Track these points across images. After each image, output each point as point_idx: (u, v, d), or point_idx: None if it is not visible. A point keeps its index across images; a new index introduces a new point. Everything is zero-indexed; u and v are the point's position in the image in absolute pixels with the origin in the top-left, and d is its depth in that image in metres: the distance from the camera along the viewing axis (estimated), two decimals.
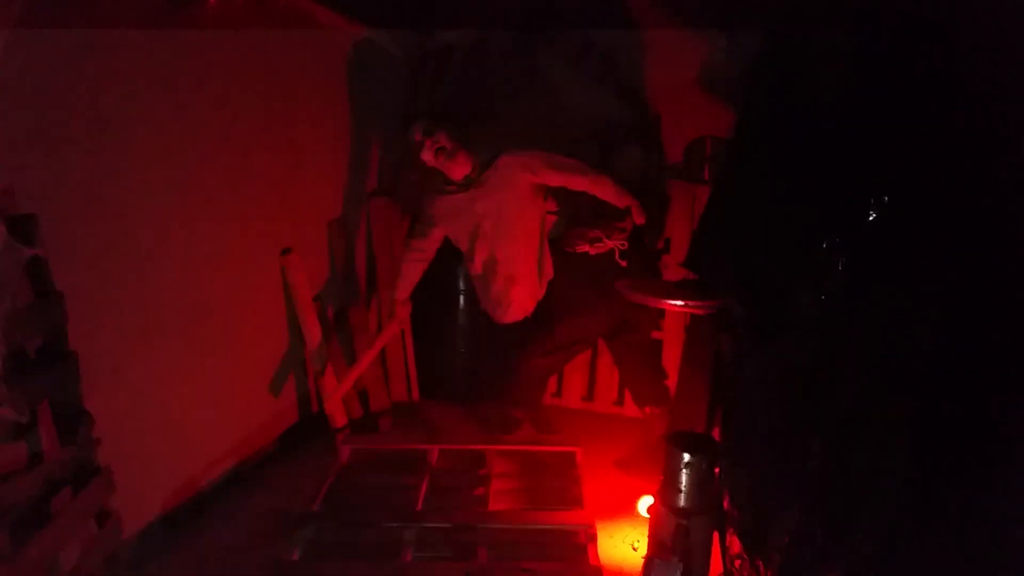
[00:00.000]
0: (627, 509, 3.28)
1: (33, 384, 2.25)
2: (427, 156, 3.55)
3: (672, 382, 3.98)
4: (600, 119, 4.35)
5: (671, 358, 4.15)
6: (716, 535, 2.29)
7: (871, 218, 1.57)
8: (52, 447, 2.29)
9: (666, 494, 2.28)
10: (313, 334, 3.86)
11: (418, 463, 3.49)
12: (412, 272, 3.84)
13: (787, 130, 1.99)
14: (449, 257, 3.91)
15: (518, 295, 3.70)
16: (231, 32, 3.16)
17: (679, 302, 3.11)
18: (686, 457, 2.20)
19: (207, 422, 3.33)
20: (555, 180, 3.60)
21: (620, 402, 4.43)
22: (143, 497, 2.92)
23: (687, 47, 4.17)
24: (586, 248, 3.70)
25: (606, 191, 3.58)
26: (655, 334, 4.23)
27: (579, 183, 3.58)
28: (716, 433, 2.71)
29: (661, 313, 4.18)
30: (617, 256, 3.67)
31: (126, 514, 2.62)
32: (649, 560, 2.32)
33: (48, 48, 2.34)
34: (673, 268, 4.09)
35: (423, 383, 4.61)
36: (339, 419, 3.86)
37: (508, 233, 3.61)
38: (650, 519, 2.40)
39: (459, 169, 3.59)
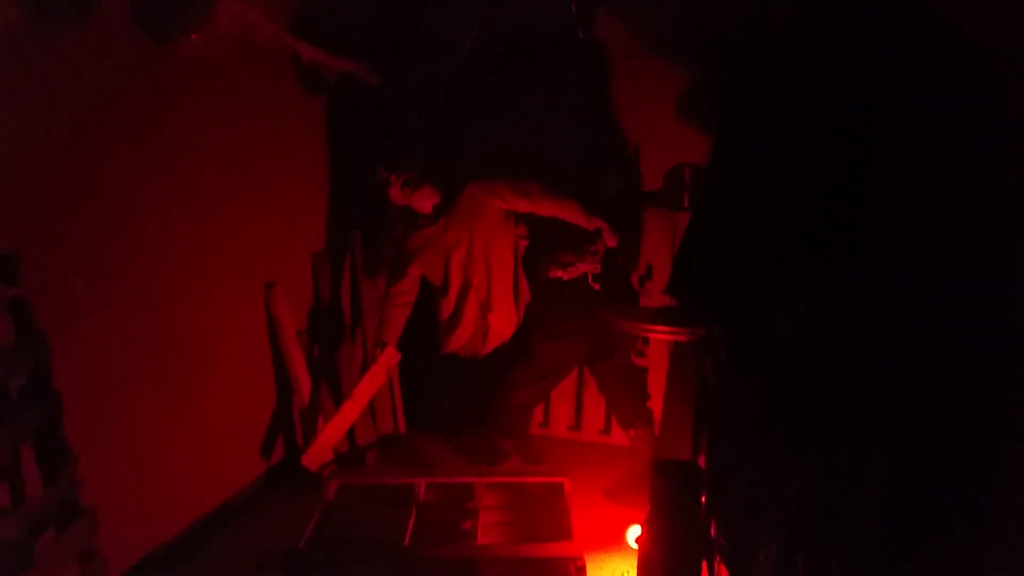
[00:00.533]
0: (616, 540, 3.27)
1: (16, 424, 2.24)
2: (394, 192, 3.60)
3: (657, 409, 3.99)
4: (581, 147, 4.40)
5: (656, 385, 4.16)
6: (704, 563, 2.30)
7: (845, 245, 1.61)
8: (35, 488, 2.27)
9: (654, 523, 2.28)
10: (298, 369, 3.84)
11: (405, 497, 3.47)
12: (396, 317, 3.83)
13: (762, 157, 2.02)
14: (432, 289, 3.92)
15: (495, 321, 3.72)
16: (214, 67, 3.19)
17: (662, 329, 3.13)
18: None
19: (193, 459, 3.30)
20: (523, 206, 3.65)
21: (607, 431, 4.42)
22: (128, 537, 2.89)
23: (665, 77, 4.23)
24: (559, 273, 3.73)
25: (574, 215, 3.63)
26: (639, 361, 4.24)
27: (546, 207, 3.62)
28: (702, 460, 2.72)
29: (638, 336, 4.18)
30: (590, 280, 3.70)
31: (111, 555, 2.59)
32: None
33: (32, 88, 2.36)
34: (655, 295, 4.11)
35: (410, 415, 4.59)
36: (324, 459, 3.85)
37: (481, 259, 3.65)
38: (639, 549, 2.40)
39: (426, 201, 3.64)
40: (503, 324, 3.75)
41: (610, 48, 4.31)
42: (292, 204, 4.02)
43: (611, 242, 3.66)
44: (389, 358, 3.88)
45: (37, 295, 2.36)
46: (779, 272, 1.89)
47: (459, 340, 3.81)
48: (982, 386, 1.37)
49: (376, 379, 3.95)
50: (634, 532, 3.13)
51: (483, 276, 3.67)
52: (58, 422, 2.40)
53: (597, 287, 3.70)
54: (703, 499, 2.29)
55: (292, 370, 3.86)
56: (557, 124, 4.46)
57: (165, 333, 3.07)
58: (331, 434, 3.83)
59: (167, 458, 3.10)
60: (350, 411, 3.90)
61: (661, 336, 3.73)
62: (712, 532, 2.32)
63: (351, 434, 4.23)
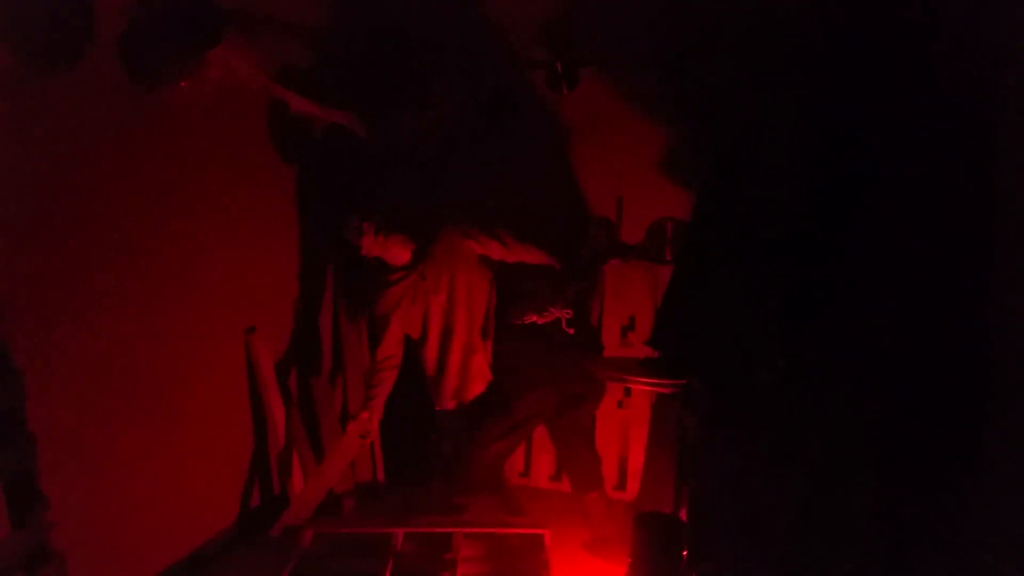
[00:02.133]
0: None
1: None
2: (367, 242, 3.59)
3: (639, 460, 3.98)
4: (565, 200, 4.47)
5: (637, 437, 4.16)
6: None
7: (823, 299, 1.64)
8: (3, 531, 2.22)
9: None
10: (276, 415, 3.81)
11: (382, 547, 3.41)
12: (386, 383, 3.78)
13: (742, 214, 2.07)
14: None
15: (477, 364, 3.73)
16: (202, 116, 3.22)
17: (646, 381, 3.15)
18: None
19: (166, 505, 3.24)
20: (494, 249, 3.70)
21: (601, 487, 4.38)
22: None
23: (648, 133, 4.33)
24: (533, 318, 3.75)
25: (541, 260, 3.73)
26: (620, 412, 4.24)
27: (516, 252, 3.69)
28: (683, 513, 2.71)
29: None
30: (564, 324, 3.73)
31: None
32: None
33: (19, 129, 2.38)
34: (638, 346, 4.14)
35: (388, 463, 4.54)
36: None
37: (462, 302, 3.67)
38: None
39: (401, 252, 3.66)
40: (484, 366, 3.76)
41: (594, 105, 4.41)
42: (276, 249, 4.04)
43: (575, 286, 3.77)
44: (363, 424, 3.79)
45: (14, 337, 2.34)
46: (759, 325, 1.92)
47: (449, 391, 3.79)
48: (974, 404, 1.40)
49: (351, 448, 3.88)
50: None
51: (465, 320, 3.69)
52: (31, 464, 2.36)
53: (571, 331, 3.73)
54: (685, 552, 2.28)
55: (270, 416, 3.82)
56: (541, 178, 4.54)
57: (142, 378, 3.04)
58: (307, 499, 3.77)
59: (140, 503, 3.04)
60: (327, 476, 3.85)
61: (643, 387, 3.75)
62: None
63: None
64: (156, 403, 3.14)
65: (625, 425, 4.24)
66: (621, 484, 4.20)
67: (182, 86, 2.98)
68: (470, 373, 3.74)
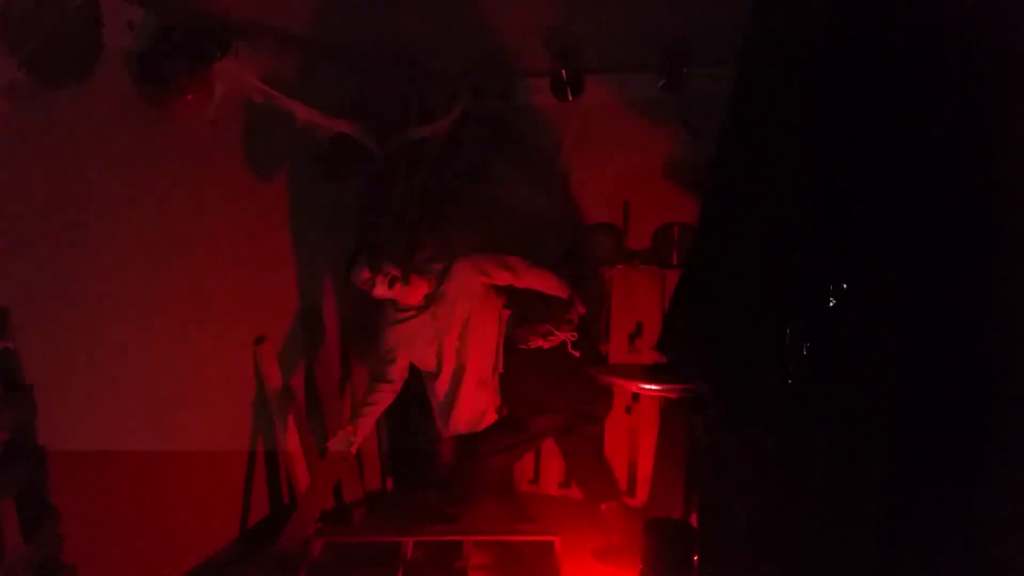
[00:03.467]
0: None
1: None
2: (380, 292, 3.44)
3: (648, 467, 3.97)
4: (571, 208, 4.48)
5: (646, 444, 4.15)
6: None
7: (831, 303, 1.63)
8: (15, 544, 2.23)
9: None
10: (285, 424, 3.81)
11: (392, 556, 3.41)
12: (380, 404, 3.68)
13: (749, 217, 2.06)
14: None
15: (488, 396, 3.70)
16: (209, 128, 3.24)
17: (654, 386, 3.14)
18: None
19: (177, 516, 3.25)
20: (505, 279, 3.65)
21: (618, 497, 4.37)
22: None
23: (653, 138, 4.33)
24: (539, 343, 3.75)
25: (550, 284, 3.68)
26: (628, 419, 4.23)
27: (526, 279, 3.65)
28: (694, 519, 2.70)
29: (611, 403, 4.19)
30: (569, 347, 3.72)
31: None
32: None
33: (27, 144, 2.40)
34: (646, 352, 4.13)
35: (397, 472, 4.55)
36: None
37: (475, 339, 3.62)
38: None
39: (416, 293, 3.57)
40: (495, 397, 3.73)
41: (598, 111, 4.42)
42: (285, 260, 4.05)
43: (582, 309, 3.72)
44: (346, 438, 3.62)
45: (24, 350, 2.35)
46: (767, 328, 1.91)
47: (459, 422, 3.74)
48: (980, 393, 1.40)
49: (335, 465, 3.78)
50: None
51: (477, 356, 3.65)
52: (43, 478, 2.37)
53: (577, 354, 3.72)
54: (695, 558, 2.27)
55: (278, 425, 3.83)
56: (547, 185, 4.55)
57: (151, 389, 3.06)
58: (302, 519, 3.70)
59: (151, 515, 3.06)
60: (317, 493, 3.79)
61: (652, 393, 3.74)
62: None
63: (337, 491, 4.18)
64: (164, 414, 3.15)
65: (634, 431, 4.24)
66: (631, 490, 4.19)
67: (189, 98, 3.00)
68: (481, 407, 3.72)
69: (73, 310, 2.66)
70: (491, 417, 3.72)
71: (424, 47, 3.99)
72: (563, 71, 4.28)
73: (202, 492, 3.45)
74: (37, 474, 2.35)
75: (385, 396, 3.67)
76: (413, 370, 3.77)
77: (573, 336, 3.75)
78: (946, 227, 1.48)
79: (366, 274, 3.40)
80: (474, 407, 3.70)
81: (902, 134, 1.59)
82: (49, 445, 2.39)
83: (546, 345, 3.75)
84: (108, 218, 2.80)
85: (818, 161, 1.80)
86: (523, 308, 3.93)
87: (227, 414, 3.67)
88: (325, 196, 4.35)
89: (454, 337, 3.62)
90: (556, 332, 3.74)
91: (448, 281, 3.60)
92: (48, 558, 2.36)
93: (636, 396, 4.19)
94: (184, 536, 3.35)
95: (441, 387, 3.71)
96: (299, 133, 3.72)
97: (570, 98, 4.35)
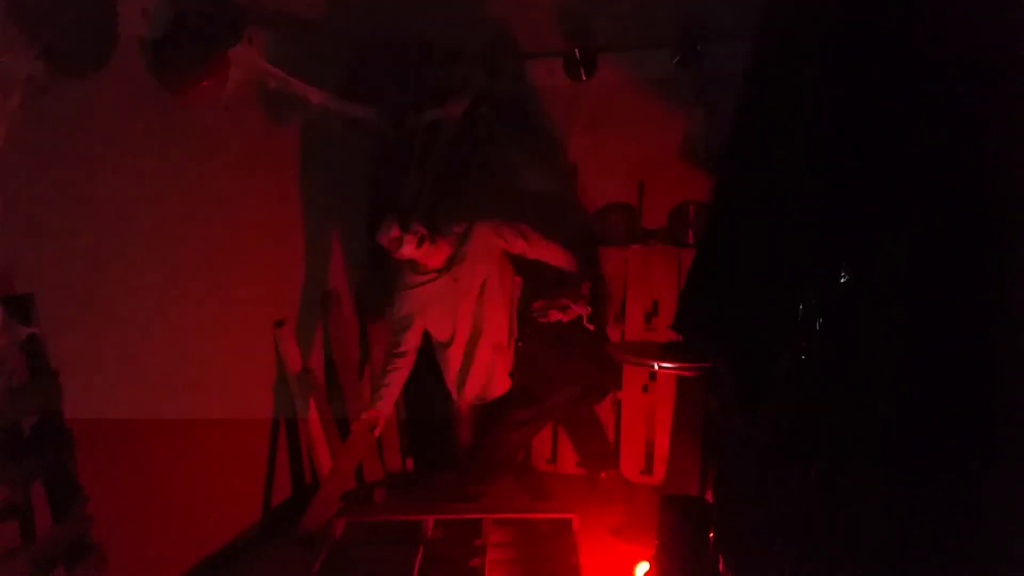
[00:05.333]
0: None
1: (28, 462, 2.26)
2: (408, 251, 3.46)
3: (664, 444, 3.99)
4: (585, 187, 4.47)
5: (662, 421, 4.17)
6: None
7: (843, 280, 1.64)
8: (45, 525, 2.28)
9: (662, 559, 2.28)
10: (306, 406, 3.86)
11: (413, 534, 3.46)
12: (397, 381, 3.72)
13: (761, 195, 2.06)
14: None
15: (502, 362, 3.74)
16: (224, 113, 3.26)
17: (670, 365, 3.15)
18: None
19: (201, 497, 3.31)
20: (519, 246, 3.70)
21: (616, 466, 4.41)
22: None
23: (667, 117, 4.31)
24: (558, 316, 3.77)
25: (559, 257, 3.73)
26: (645, 396, 4.25)
27: (537, 249, 3.70)
28: (709, 495, 2.71)
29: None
30: (585, 320, 3.75)
31: None
32: None
33: (46, 133, 2.43)
34: (661, 330, 4.14)
35: (417, 452, 4.59)
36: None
37: (491, 301, 3.67)
38: None
39: (440, 254, 3.61)
40: (509, 364, 3.77)
41: (612, 90, 4.39)
42: (303, 243, 4.08)
43: (588, 284, 3.82)
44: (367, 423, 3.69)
45: (49, 335, 2.40)
46: (782, 306, 1.92)
47: (474, 390, 3.81)
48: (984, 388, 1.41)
49: (361, 442, 3.81)
50: (642, 568, 3.12)
51: (493, 320, 3.69)
52: (70, 460, 2.42)
53: (592, 328, 3.75)
54: (711, 534, 2.29)
55: (299, 407, 3.88)
56: (562, 165, 4.55)
57: (174, 370, 3.10)
58: (326, 498, 3.72)
59: (177, 495, 3.11)
60: (342, 472, 3.80)
61: (668, 371, 3.75)
62: (720, 567, 2.31)
63: (359, 472, 4.23)
64: (187, 397, 3.20)
65: (650, 409, 4.25)
66: (648, 468, 4.21)
67: (204, 84, 3.02)
68: (495, 373, 3.75)
69: (96, 295, 2.70)
70: (505, 382, 3.75)
71: (437, 29, 3.99)
72: (576, 50, 4.26)
73: (226, 474, 3.51)
74: (65, 457, 2.40)
75: (401, 372, 3.71)
76: (427, 344, 3.80)
77: (587, 309, 3.78)
78: (962, 208, 1.47)
79: (395, 231, 3.41)
80: (488, 372, 3.76)
81: (920, 111, 1.58)
82: (76, 429, 2.45)
83: (565, 318, 3.77)
84: (128, 204, 2.83)
85: (833, 141, 1.80)
86: (533, 284, 3.96)
87: (250, 396, 3.72)
88: (340, 182, 4.37)
89: (472, 300, 3.66)
90: (572, 305, 3.76)
91: (469, 242, 3.65)
92: (77, 538, 2.42)
93: (653, 375, 4.20)
94: (208, 517, 3.41)
95: (455, 356, 3.75)
96: (313, 117, 3.74)
97: (584, 78, 4.33)
